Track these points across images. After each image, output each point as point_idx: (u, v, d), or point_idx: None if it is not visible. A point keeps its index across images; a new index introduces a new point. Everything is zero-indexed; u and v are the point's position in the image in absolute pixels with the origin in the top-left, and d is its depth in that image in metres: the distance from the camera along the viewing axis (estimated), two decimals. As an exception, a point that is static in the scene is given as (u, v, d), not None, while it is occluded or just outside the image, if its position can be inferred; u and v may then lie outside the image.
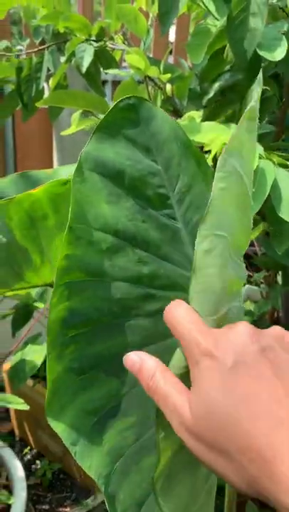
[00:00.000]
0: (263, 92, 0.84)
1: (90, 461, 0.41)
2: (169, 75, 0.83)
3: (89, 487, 1.41)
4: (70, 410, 0.42)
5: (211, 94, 0.81)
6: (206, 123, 0.68)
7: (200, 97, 0.85)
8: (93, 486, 1.38)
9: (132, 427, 0.43)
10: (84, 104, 0.79)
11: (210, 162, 0.62)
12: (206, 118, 0.83)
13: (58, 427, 0.41)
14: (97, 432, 0.42)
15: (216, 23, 0.72)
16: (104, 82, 1.82)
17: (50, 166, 1.78)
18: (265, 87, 0.86)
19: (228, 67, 0.83)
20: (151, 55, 1.39)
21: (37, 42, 1.12)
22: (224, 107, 0.89)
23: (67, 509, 1.37)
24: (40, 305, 1.04)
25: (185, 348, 0.33)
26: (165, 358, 0.42)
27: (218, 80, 0.82)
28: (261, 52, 0.67)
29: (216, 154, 0.63)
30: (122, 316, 0.44)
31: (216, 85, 0.81)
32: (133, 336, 0.44)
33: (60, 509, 1.38)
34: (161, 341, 0.44)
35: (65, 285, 0.41)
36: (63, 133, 0.84)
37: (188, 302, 0.37)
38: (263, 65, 0.79)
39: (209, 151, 0.63)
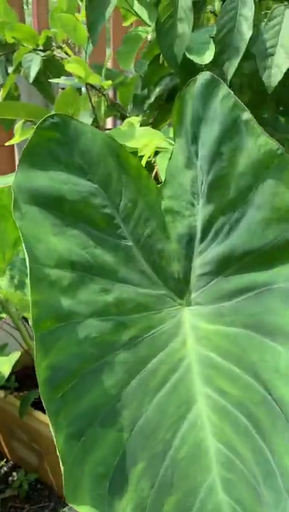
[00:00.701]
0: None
1: None
2: (110, 82, 0.83)
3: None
4: (84, 485, 0.39)
5: (152, 98, 0.82)
6: (140, 128, 0.68)
7: (143, 102, 0.87)
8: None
9: (144, 475, 0.40)
10: (25, 114, 0.79)
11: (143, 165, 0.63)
12: (149, 123, 0.84)
13: (82, 510, 0.39)
14: (115, 495, 0.40)
15: (147, 30, 0.73)
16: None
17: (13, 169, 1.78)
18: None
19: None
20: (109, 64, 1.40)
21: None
22: (168, 112, 0.90)
23: (45, 519, 1.36)
24: (2, 315, 1.04)
25: None
26: (150, 384, 0.43)
27: (159, 84, 0.83)
28: (191, 56, 0.68)
29: (149, 158, 0.64)
30: (101, 356, 0.42)
31: (157, 90, 0.82)
32: (116, 374, 0.42)
33: (38, 520, 1.37)
34: (143, 369, 0.43)
35: (40, 339, 0.40)
36: (8, 143, 0.85)
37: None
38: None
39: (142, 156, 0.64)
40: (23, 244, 0.40)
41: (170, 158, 0.48)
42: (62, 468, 0.39)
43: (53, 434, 0.38)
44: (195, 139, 0.44)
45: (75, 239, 0.43)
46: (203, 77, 0.42)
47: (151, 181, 0.47)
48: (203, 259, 0.45)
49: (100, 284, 0.44)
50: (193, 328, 0.45)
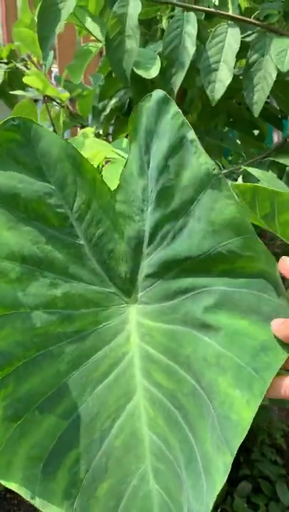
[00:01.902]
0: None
1: (53, 509, 0.40)
2: (67, 94, 0.86)
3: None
4: (17, 463, 0.41)
5: (108, 110, 0.86)
6: (91, 139, 0.71)
7: (100, 114, 0.90)
8: (40, 502, 1.38)
9: (79, 460, 0.42)
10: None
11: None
12: (107, 133, 0.87)
13: (13, 486, 0.40)
14: (49, 477, 0.41)
15: (97, 45, 0.77)
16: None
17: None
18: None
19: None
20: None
21: None
22: (126, 124, 0.93)
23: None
24: None
25: None
26: (92, 375, 0.45)
27: (114, 97, 0.86)
28: (138, 71, 0.71)
29: (98, 167, 0.67)
30: (45, 345, 0.44)
31: (112, 102, 0.86)
32: (59, 364, 0.44)
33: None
34: (86, 361, 0.45)
35: None
36: None
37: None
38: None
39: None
40: None
41: (125, 165, 0.50)
42: None
43: None
44: (148, 149, 0.46)
45: (28, 235, 0.45)
46: (157, 94, 0.44)
47: (105, 185, 0.49)
48: (149, 261, 0.48)
49: (49, 278, 0.45)
50: (137, 325, 0.47)
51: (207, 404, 0.40)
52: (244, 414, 0.37)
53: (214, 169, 0.40)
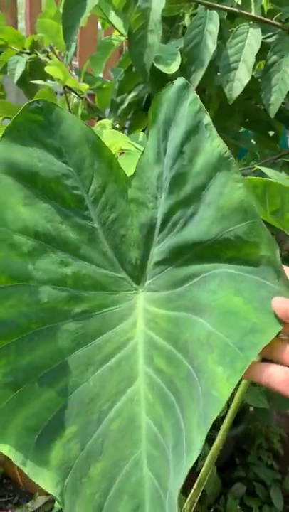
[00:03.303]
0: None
1: (43, 480, 0.41)
2: (87, 86, 0.88)
3: (32, 491, 1.42)
4: (11, 429, 0.42)
5: (125, 104, 0.87)
6: (108, 131, 0.72)
7: (118, 108, 0.91)
8: (36, 490, 1.39)
9: (74, 437, 0.43)
10: (3, 111, 0.83)
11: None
12: (123, 127, 0.88)
13: (4, 449, 0.41)
14: (42, 449, 0.42)
15: (120, 39, 0.78)
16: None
17: None
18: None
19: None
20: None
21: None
22: (143, 119, 0.94)
23: (9, 513, 1.37)
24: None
25: None
26: (95, 357, 0.45)
27: (133, 91, 0.88)
28: (158, 66, 0.72)
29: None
30: (51, 320, 0.45)
31: (130, 97, 0.87)
32: (63, 340, 0.45)
33: (2, 513, 1.38)
34: (90, 342, 0.46)
35: None
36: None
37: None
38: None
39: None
40: None
41: (142, 153, 0.51)
42: None
43: None
44: (165, 137, 0.47)
45: (43, 212, 0.47)
46: (178, 81, 0.45)
47: (121, 171, 0.50)
48: (159, 248, 0.48)
49: (60, 256, 0.46)
50: (144, 311, 0.48)
51: (196, 385, 0.40)
52: (223, 389, 0.37)
53: (226, 152, 0.41)
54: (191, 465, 0.37)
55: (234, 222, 0.40)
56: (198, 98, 0.43)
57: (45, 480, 0.41)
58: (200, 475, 0.69)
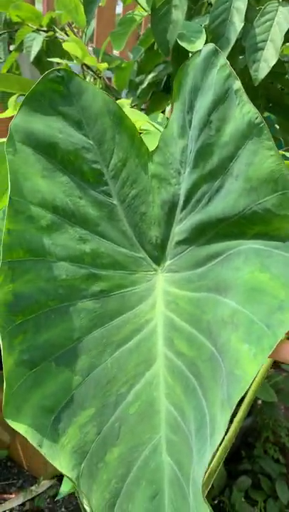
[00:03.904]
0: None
1: (59, 462, 0.40)
2: (105, 64, 0.85)
3: (35, 474, 1.42)
4: (27, 409, 0.40)
5: (145, 84, 0.84)
6: (127, 109, 0.70)
7: (137, 88, 0.88)
8: (39, 474, 1.39)
9: (91, 420, 0.41)
10: (19, 88, 0.80)
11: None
12: (141, 109, 0.86)
13: (21, 429, 0.40)
14: (58, 430, 0.40)
15: (142, 14, 0.75)
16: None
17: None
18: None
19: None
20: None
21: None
22: (163, 100, 0.91)
23: (12, 495, 1.37)
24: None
25: None
26: (113, 338, 0.44)
27: (153, 71, 0.85)
28: (182, 43, 0.69)
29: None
30: (69, 298, 0.43)
31: (150, 76, 0.84)
32: (80, 319, 0.43)
33: (5, 496, 1.38)
34: (108, 322, 0.44)
35: (8, 264, 0.41)
36: (1, 115, 0.86)
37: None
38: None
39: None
40: (9, 179, 0.41)
41: (166, 126, 0.49)
42: (4, 387, 0.39)
43: (2, 352, 0.39)
44: (191, 108, 0.44)
45: (62, 186, 0.45)
46: (206, 48, 0.42)
47: (143, 144, 0.48)
48: (181, 227, 0.46)
49: (78, 232, 0.45)
50: (164, 293, 0.46)
51: (220, 366, 0.38)
52: (249, 368, 0.35)
53: (257, 118, 0.38)
54: (214, 448, 0.35)
55: (264, 194, 0.38)
56: (228, 64, 0.40)
57: (61, 462, 0.40)
58: (210, 466, 0.68)
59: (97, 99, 0.46)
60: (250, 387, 0.66)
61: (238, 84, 0.40)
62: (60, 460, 0.40)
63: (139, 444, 0.41)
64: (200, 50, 0.43)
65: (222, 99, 0.40)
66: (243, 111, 0.39)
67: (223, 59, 0.41)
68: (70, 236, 0.44)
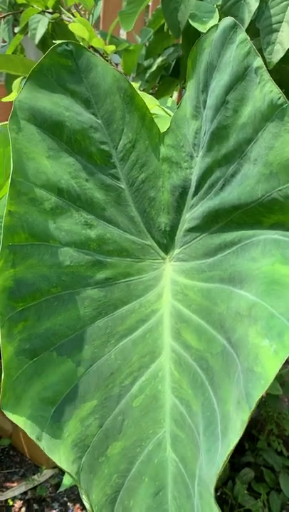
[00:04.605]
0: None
1: (59, 456, 0.38)
2: (113, 47, 0.82)
3: (38, 463, 1.41)
4: (26, 400, 0.39)
5: (154, 68, 0.81)
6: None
7: (146, 71, 0.85)
8: (42, 463, 1.39)
9: (93, 413, 0.40)
10: (24, 69, 0.78)
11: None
12: (150, 93, 0.83)
13: (19, 421, 0.38)
14: (58, 423, 0.39)
15: (153, -6, 0.72)
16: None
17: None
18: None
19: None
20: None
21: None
22: (171, 85, 0.89)
23: (14, 484, 1.37)
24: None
25: None
26: (118, 328, 0.42)
27: (162, 54, 0.82)
28: (194, 24, 0.66)
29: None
30: (72, 286, 0.41)
31: (159, 60, 0.81)
32: (84, 308, 0.42)
33: (7, 484, 1.38)
34: (113, 312, 0.43)
35: (9, 248, 0.39)
36: (5, 99, 0.84)
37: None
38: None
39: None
40: (12, 158, 0.39)
41: (178, 107, 0.46)
42: (2, 376, 0.38)
43: (1, 340, 0.38)
44: (206, 87, 0.42)
45: (68, 167, 0.43)
46: (224, 22, 0.40)
47: (154, 125, 0.46)
48: (192, 214, 0.44)
49: (84, 217, 0.43)
50: (172, 283, 0.44)
51: (235, 361, 0.36)
52: (269, 365, 0.33)
53: (279, 98, 0.35)
54: (230, 449, 0.33)
55: (284, 180, 0.36)
56: (248, 39, 0.38)
57: (60, 457, 0.38)
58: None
59: (108, 75, 0.44)
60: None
61: (259, 61, 0.37)
62: (60, 454, 0.38)
63: (143, 438, 0.40)
64: (216, 25, 0.40)
65: (241, 77, 0.38)
66: (265, 90, 0.36)
67: (243, 34, 0.38)
68: (75, 220, 0.42)
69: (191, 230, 0.44)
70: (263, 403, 1.47)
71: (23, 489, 1.35)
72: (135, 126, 0.45)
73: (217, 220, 0.41)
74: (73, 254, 0.42)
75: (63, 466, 0.38)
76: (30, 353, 0.39)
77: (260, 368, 0.33)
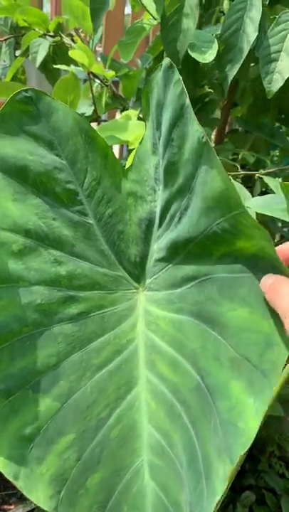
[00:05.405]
0: (207, 94, 0.84)
1: (36, 495, 0.39)
2: (113, 73, 0.83)
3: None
4: (4, 440, 0.40)
5: (153, 94, 0.81)
6: (134, 121, 0.67)
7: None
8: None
9: (71, 446, 0.40)
10: (9, 93, 0.78)
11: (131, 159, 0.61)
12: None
13: None
14: (36, 460, 0.39)
15: (152, 23, 0.72)
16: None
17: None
18: (209, 90, 0.87)
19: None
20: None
21: (-5, 34, 1.11)
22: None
23: (12, 507, 1.35)
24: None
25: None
26: (93, 361, 0.43)
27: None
28: (193, 54, 0.67)
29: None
30: (44, 323, 0.42)
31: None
32: (58, 344, 0.42)
33: (5, 506, 1.37)
34: (87, 345, 0.43)
35: None
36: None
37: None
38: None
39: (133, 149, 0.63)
40: None
41: (140, 143, 0.48)
42: None
43: None
44: (159, 124, 0.43)
45: (34, 208, 0.44)
46: (164, 62, 0.41)
47: (117, 163, 0.48)
48: (159, 244, 0.45)
49: (53, 255, 0.44)
50: (145, 312, 0.45)
51: (210, 405, 0.37)
52: (251, 423, 0.34)
53: (203, 137, 0.36)
54: (217, 499, 0.34)
55: (220, 214, 0.36)
56: (180, 79, 0.39)
57: (38, 494, 0.39)
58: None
59: (68, 118, 0.45)
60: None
61: (187, 100, 0.38)
62: (38, 492, 0.39)
63: (121, 468, 0.40)
64: (161, 64, 0.41)
65: (179, 115, 0.39)
66: (194, 129, 0.37)
67: (176, 74, 0.39)
68: (44, 259, 0.43)
69: (159, 260, 0.45)
70: (264, 424, 1.45)
71: (20, 511, 1.33)
72: (98, 165, 0.46)
73: (178, 252, 0.42)
74: (44, 292, 0.42)
75: (41, 504, 0.39)
76: (5, 393, 0.40)
77: (243, 424, 0.34)
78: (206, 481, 0.35)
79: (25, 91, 0.44)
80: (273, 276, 0.34)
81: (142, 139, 0.47)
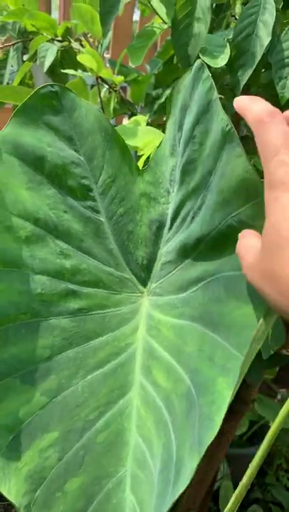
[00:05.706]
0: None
1: (9, 486, 0.37)
2: (122, 78, 0.81)
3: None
4: None
5: (163, 99, 0.80)
6: (143, 127, 0.66)
7: (154, 102, 0.84)
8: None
9: (53, 445, 0.39)
10: (17, 98, 0.77)
11: (141, 165, 0.60)
12: (158, 124, 0.82)
13: None
14: (15, 452, 0.38)
15: (162, 27, 0.71)
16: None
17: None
18: (220, 95, 0.85)
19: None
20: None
21: (2, 39, 1.11)
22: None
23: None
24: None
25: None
26: (88, 360, 0.42)
27: (172, 85, 0.81)
28: (204, 58, 0.65)
29: (149, 156, 0.61)
30: (42, 314, 0.42)
31: (168, 92, 0.80)
32: (53, 337, 0.41)
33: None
34: (85, 343, 0.42)
35: None
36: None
37: None
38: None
39: (142, 155, 0.62)
40: None
41: (159, 145, 0.48)
42: None
43: None
44: (180, 126, 0.43)
45: (47, 199, 0.44)
46: (195, 64, 0.41)
47: (133, 163, 0.48)
48: (168, 247, 0.44)
49: (60, 247, 0.43)
50: (147, 317, 0.44)
51: (194, 404, 0.35)
52: (221, 417, 0.32)
53: (227, 125, 0.35)
54: (175, 497, 0.32)
55: (237, 206, 0.35)
56: (210, 76, 0.38)
57: (10, 488, 0.37)
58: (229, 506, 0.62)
59: (90, 115, 0.45)
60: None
61: (216, 94, 0.37)
62: (10, 485, 0.37)
63: (104, 476, 0.38)
64: (191, 69, 0.41)
65: (204, 111, 0.38)
66: (218, 120, 0.36)
67: (207, 72, 0.39)
68: (50, 250, 0.43)
69: (166, 263, 0.44)
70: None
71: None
72: (115, 163, 0.46)
73: (187, 254, 0.41)
74: (46, 283, 0.42)
75: (11, 497, 0.37)
76: None
77: (219, 418, 0.32)
78: (172, 487, 0.33)
79: (51, 85, 0.45)
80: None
81: (161, 142, 0.47)
